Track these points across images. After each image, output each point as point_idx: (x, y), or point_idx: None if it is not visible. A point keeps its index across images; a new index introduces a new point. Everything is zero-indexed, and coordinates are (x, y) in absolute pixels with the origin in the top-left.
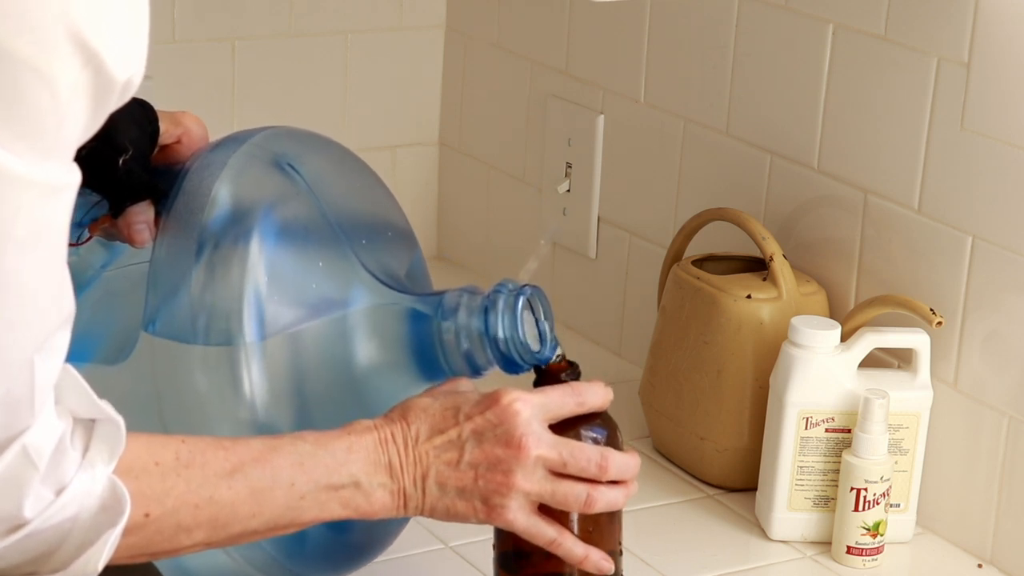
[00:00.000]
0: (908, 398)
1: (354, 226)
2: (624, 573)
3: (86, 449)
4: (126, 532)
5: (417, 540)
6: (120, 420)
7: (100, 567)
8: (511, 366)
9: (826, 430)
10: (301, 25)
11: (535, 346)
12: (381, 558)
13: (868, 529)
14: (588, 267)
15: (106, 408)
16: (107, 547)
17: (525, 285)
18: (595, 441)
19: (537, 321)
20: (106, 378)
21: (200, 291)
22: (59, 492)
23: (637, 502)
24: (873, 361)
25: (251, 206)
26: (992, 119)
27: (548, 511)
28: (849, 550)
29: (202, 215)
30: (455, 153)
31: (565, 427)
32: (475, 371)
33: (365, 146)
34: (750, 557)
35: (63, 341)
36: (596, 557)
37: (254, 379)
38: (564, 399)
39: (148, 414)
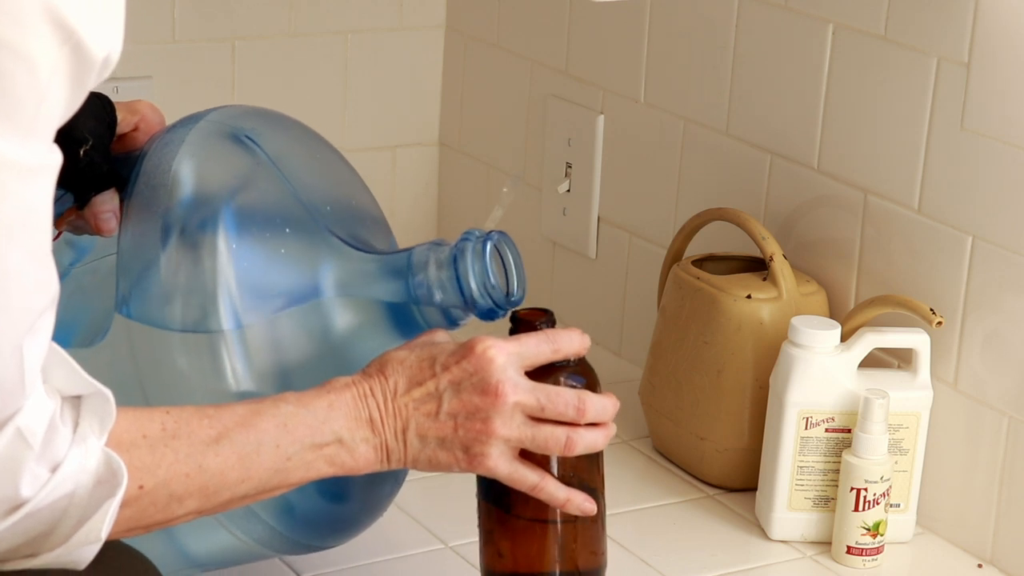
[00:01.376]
0: (908, 398)
1: (318, 196)
2: (606, 514)
3: (76, 425)
4: (122, 505)
5: (417, 540)
6: (108, 392)
7: (104, 536)
8: (486, 313)
9: (826, 430)
10: (301, 25)
11: (506, 289)
12: (381, 558)
13: (868, 529)
14: (588, 267)
15: (94, 382)
16: (108, 517)
17: (491, 232)
18: (573, 388)
19: (505, 266)
20: (84, 360)
21: (171, 276)
22: (54, 469)
23: (637, 502)
24: (873, 361)
25: (214, 185)
26: (992, 119)
27: (529, 456)
28: (849, 550)
29: (164, 194)
30: (455, 153)
31: (543, 375)
32: (451, 322)
33: (365, 146)
34: (750, 557)
35: (49, 321)
36: (579, 499)
37: (235, 357)
38: (539, 346)
39: (130, 392)
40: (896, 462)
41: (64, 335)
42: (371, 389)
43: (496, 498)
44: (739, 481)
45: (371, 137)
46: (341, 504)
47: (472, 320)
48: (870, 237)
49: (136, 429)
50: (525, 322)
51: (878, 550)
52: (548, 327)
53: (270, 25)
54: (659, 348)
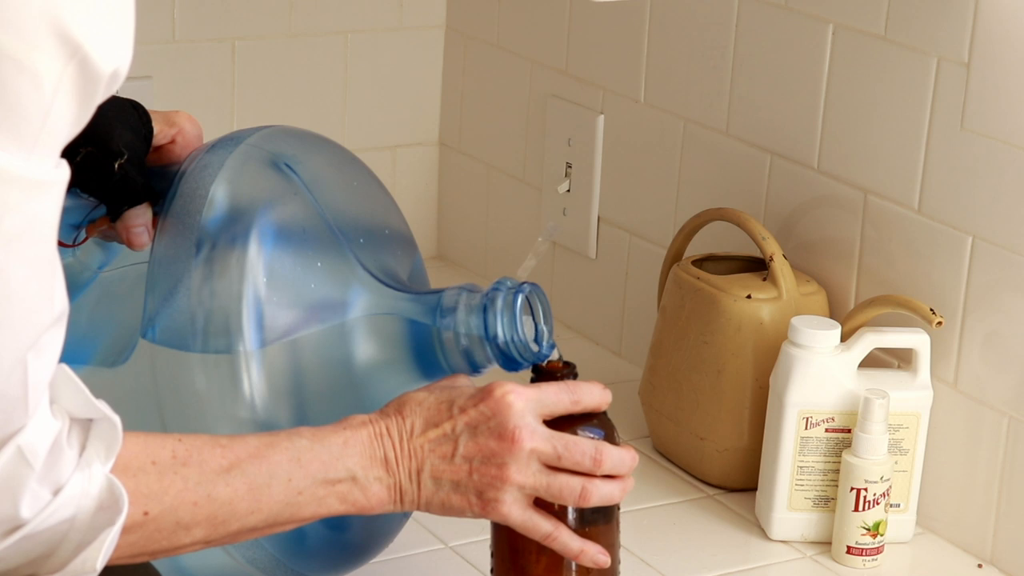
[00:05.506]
0: (908, 398)
1: (352, 226)
2: (621, 572)
3: (83, 448)
4: (125, 531)
5: (417, 540)
6: (116, 419)
7: (99, 567)
8: (510, 364)
9: (826, 430)
10: (301, 25)
11: (534, 346)
12: (381, 558)
13: (868, 529)
14: (588, 267)
15: (102, 407)
16: (105, 546)
17: (524, 283)
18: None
19: (535, 319)
20: (105, 380)
21: (198, 293)
22: (56, 492)
23: (637, 502)
24: (873, 361)
25: (248, 206)
26: (992, 119)
27: (544, 506)
28: (849, 550)
29: (199, 217)
30: (455, 153)
31: (561, 426)
32: (474, 369)
33: (365, 146)
34: (750, 557)
35: (56, 339)
36: (593, 551)
37: (254, 382)
38: (559, 395)
39: (148, 416)
40: (896, 462)
41: (88, 347)
42: (387, 428)
43: (510, 549)
44: (739, 481)
45: (371, 137)
46: (346, 536)
47: (494, 367)
48: (870, 237)
49: (146, 455)
50: (547, 372)
51: (878, 550)
52: (570, 378)
53: (270, 25)
54: (659, 348)
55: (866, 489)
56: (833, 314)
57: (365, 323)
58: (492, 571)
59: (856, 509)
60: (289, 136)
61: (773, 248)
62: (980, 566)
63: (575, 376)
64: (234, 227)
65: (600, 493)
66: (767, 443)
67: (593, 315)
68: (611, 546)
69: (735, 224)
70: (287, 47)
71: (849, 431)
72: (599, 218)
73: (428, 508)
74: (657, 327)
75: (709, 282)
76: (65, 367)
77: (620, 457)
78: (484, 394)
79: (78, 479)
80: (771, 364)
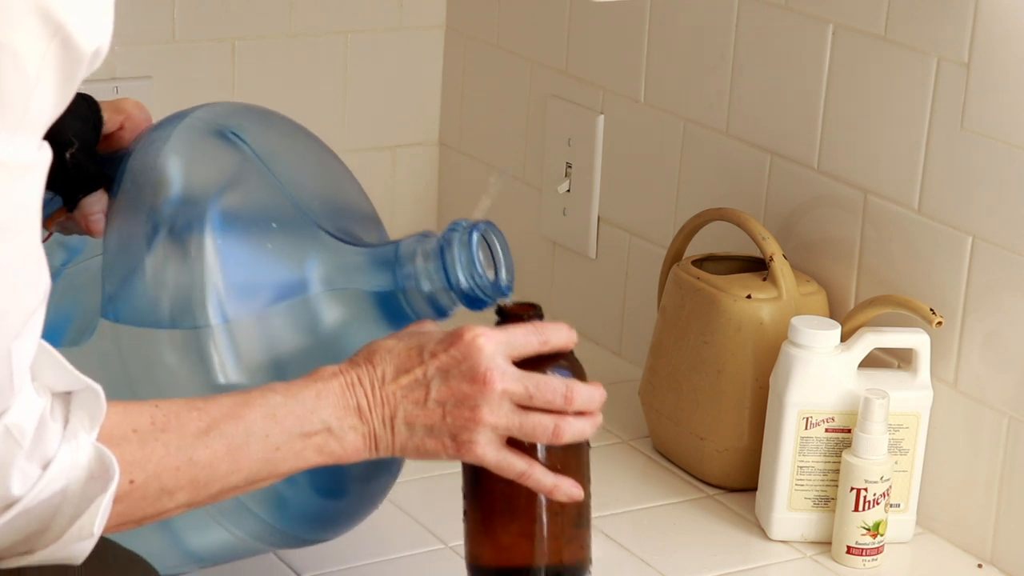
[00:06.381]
0: (908, 398)
1: (306, 190)
2: (592, 511)
3: (66, 421)
4: (113, 500)
5: (417, 540)
6: (98, 388)
7: (97, 531)
8: (473, 303)
9: (826, 430)
10: (301, 25)
11: (491, 274)
12: (381, 558)
13: (868, 529)
14: (588, 267)
15: (83, 377)
16: (100, 512)
17: (478, 222)
18: None
19: (494, 254)
20: (72, 359)
21: (158, 275)
22: (45, 466)
23: (637, 502)
24: (873, 361)
25: (200, 182)
26: (992, 119)
27: (516, 446)
28: (849, 550)
29: (150, 192)
30: (455, 153)
31: (530, 367)
32: (440, 313)
33: (365, 146)
34: (750, 557)
35: (39, 320)
36: (566, 485)
37: (223, 352)
38: (528, 337)
39: (118, 390)
40: (896, 462)
41: (54, 334)
42: (359, 378)
43: (482, 491)
44: (739, 481)
45: (371, 137)
46: (335, 498)
47: (461, 311)
48: (870, 237)
49: (126, 423)
50: (513, 315)
51: (878, 550)
52: (536, 320)
53: (270, 25)
54: (659, 348)
55: (866, 489)
56: (833, 314)
57: (329, 282)
58: (464, 514)
59: (856, 509)
60: (237, 109)
61: (773, 248)
62: (980, 566)
63: (541, 317)
64: (187, 201)
65: (572, 430)
66: (767, 443)
67: (593, 315)
68: (583, 481)
69: (735, 224)
70: (287, 47)
71: (849, 431)
72: (599, 218)
73: (403, 453)
74: (657, 327)
75: (709, 282)
76: (44, 342)
77: (590, 394)
78: (454, 338)
79: (66, 451)
80: (771, 364)
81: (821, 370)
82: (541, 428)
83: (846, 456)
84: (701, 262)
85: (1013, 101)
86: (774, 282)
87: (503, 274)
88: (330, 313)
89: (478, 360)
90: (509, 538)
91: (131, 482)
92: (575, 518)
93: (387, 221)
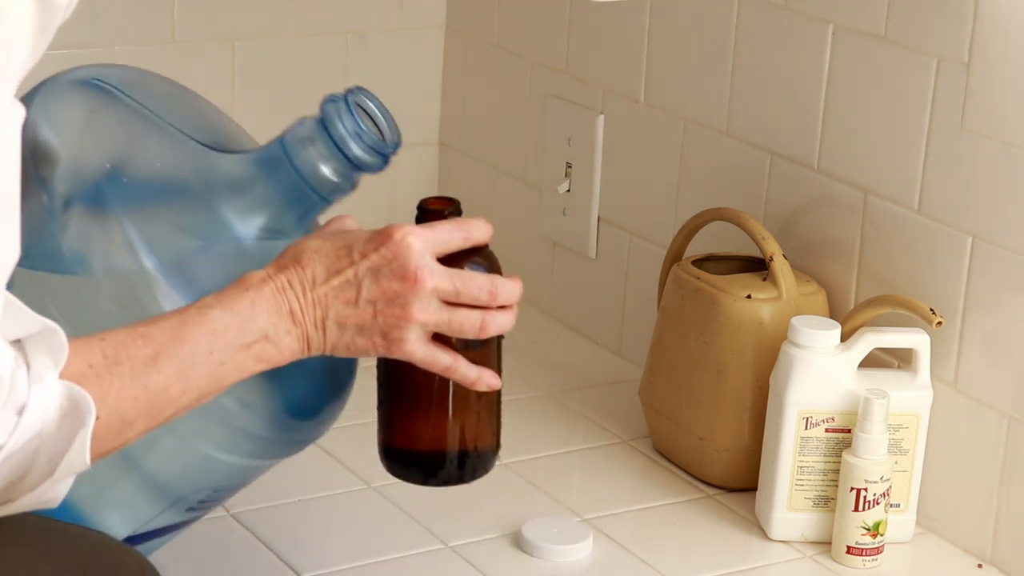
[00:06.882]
0: (908, 398)
1: (180, 119)
2: (502, 400)
3: (28, 365)
4: None
5: (417, 540)
6: (57, 327)
7: (88, 462)
8: (371, 167)
9: (826, 430)
10: (301, 25)
11: (374, 130)
12: (381, 558)
13: (868, 529)
14: (588, 267)
15: (41, 318)
16: (86, 446)
17: (349, 88)
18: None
19: (372, 116)
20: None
21: (72, 242)
22: (20, 412)
23: (637, 502)
24: (873, 361)
25: (69, 132)
26: (992, 119)
27: (441, 340)
28: (849, 550)
29: (30, 163)
30: (455, 153)
31: (452, 262)
32: (347, 188)
33: None
34: (750, 557)
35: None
36: (487, 376)
37: (159, 297)
38: (451, 233)
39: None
40: (896, 462)
41: None
42: (288, 281)
43: (400, 382)
44: (739, 481)
45: None
46: (299, 391)
47: (361, 175)
48: (870, 237)
49: (81, 360)
50: (433, 211)
51: (878, 550)
52: (455, 215)
53: (270, 25)
54: (659, 348)
55: (866, 489)
56: (833, 314)
57: (232, 198)
58: (379, 403)
59: (856, 509)
60: (98, 66)
61: (773, 248)
62: (980, 566)
63: (460, 212)
64: (77, 180)
65: (496, 324)
66: (767, 443)
67: (593, 315)
68: (499, 371)
69: (735, 224)
70: (287, 47)
71: (849, 431)
72: (599, 218)
73: (334, 351)
74: (657, 327)
75: (709, 282)
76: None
77: (511, 288)
78: (383, 237)
79: (36, 394)
80: (771, 364)
81: (821, 370)
82: (469, 323)
83: (846, 456)
84: (701, 262)
85: (1013, 101)
86: (774, 282)
87: (387, 130)
88: (247, 229)
89: (408, 258)
90: (423, 425)
91: (97, 418)
92: (488, 406)
93: (387, 221)
